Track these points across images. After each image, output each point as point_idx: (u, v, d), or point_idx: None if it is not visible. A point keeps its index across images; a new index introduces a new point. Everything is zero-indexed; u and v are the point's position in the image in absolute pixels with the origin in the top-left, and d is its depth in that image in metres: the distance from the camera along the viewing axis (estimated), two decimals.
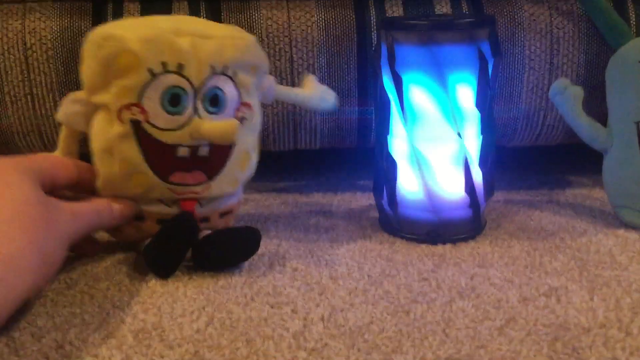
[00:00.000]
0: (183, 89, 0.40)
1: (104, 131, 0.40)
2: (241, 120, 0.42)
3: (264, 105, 0.54)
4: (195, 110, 0.40)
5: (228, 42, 0.41)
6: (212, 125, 0.40)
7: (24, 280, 0.32)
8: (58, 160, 0.41)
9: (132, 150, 0.40)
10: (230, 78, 0.42)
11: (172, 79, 0.39)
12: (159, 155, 0.40)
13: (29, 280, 0.32)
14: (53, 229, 0.35)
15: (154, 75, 0.39)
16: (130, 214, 0.42)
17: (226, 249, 0.42)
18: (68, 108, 0.41)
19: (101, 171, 0.41)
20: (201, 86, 0.40)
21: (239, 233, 0.43)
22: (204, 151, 0.41)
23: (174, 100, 0.40)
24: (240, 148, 0.43)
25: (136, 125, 0.39)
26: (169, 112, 0.40)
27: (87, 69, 0.40)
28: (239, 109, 0.42)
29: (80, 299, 0.38)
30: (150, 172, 0.40)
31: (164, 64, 0.39)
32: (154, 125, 0.40)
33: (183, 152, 0.41)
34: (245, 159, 0.44)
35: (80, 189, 0.42)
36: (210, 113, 0.41)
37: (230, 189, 0.44)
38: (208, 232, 0.42)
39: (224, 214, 0.45)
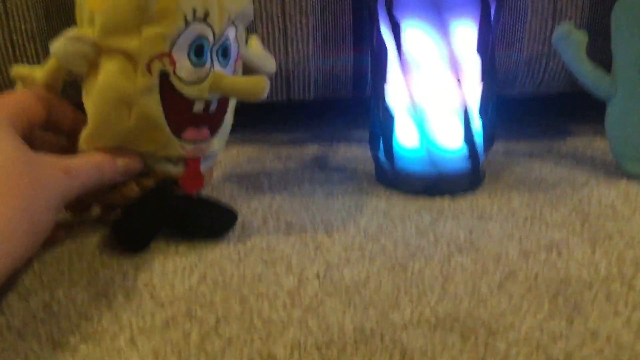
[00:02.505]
0: (207, 39, 0.37)
1: (121, 81, 0.35)
2: (235, 73, 0.40)
3: None
4: (212, 62, 0.38)
5: None
6: (241, 80, 0.38)
7: (11, 249, 0.29)
8: (30, 96, 0.37)
9: (155, 105, 0.36)
10: (236, 30, 0.40)
11: (200, 28, 0.36)
12: (178, 111, 0.37)
13: (17, 248, 0.29)
14: (41, 190, 0.32)
15: (187, 23, 0.36)
16: (137, 170, 0.38)
17: (197, 217, 0.39)
18: (69, 45, 0.35)
19: (103, 122, 0.36)
20: (220, 36, 0.38)
21: (216, 206, 0.40)
22: (214, 106, 0.39)
23: (198, 51, 0.36)
24: (232, 103, 0.41)
25: (163, 77, 0.36)
26: (193, 64, 0.37)
27: (111, 6, 0.34)
28: (237, 60, 0.40)
29: (68, 257, 0.37)
30: (167, 129, 0.37)
31: (195, 11, 0.36)
32: (179, 79, 0.36)
33: (198, 107, 0.38)
34: (232, 114, 0.42)
35: (51, 128, 0.38)
36: (221, 65, 0.38)
37: (222, 145, 0.42)
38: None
39: (210, 171, 0.43)
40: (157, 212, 0.38)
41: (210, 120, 0.39)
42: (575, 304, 0.32)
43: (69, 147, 0.38)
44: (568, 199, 0.45)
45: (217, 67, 0.38)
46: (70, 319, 0.31)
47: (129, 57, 0.35)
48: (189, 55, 0.36)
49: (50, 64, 0.38)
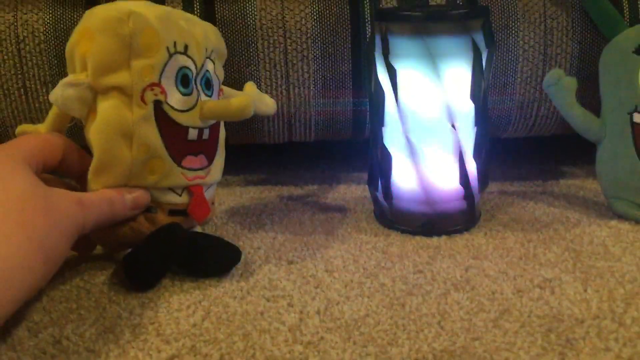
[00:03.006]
0: (190, 70, 0.40)
1: (119, 115, 0.38)
2: None
3: None
4: (197, 91, 0.41)
5: (208, 27, 0.43)
6: (228, 102, 0.41)
7: (24, 281, 0.30)
8: (46, 139, 0.38)
9: (153, 134, 0.39)
10: (214, 63, 0.43)
11: (182, 59, 0.40)
12: (175, 139, 0.40)
13: (30, 280, 0.30)
14: (55, 223, 0.33)
15: (170, 54, 0.39)
16: (145, 204, 0.40)
17: (201, 255, 0.40)
18: (65, 91, 0.38)
19: (107, 158, 0.38)
20: (201, 68, 0.41)
21: (221, 244, 0.42)
22: (206, 133, 0.42)
23: (184, 81, 0.40)
24: (222, 133, 0.45)
25: (157, 106, 0.39)
26: (181, 93, 0.40)
27: (100, 47, 0.37)
28: (220, 92, 0.44)
29: (77, 294, 0.38)
30: (167, 156, 0.39)
31: (175, 44, 0.39)
32: (171, 107, 0.39)
33: (193, 134, 0.41)
34: (223, 144, 0.45)
35: (62, 170, 0.39)
36: (206, 95, 0.42)
37: (220, 175, 0.45)
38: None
39: (212, 204, 0.45)
40: (165, 251, 0.39)
41: (206, 148, 0.42)
42: (567, 340, 0.33)
43: (79, 189, 0.40)
44: (561, 238, 0.46)
45: (203, 97, 0.41)
46: (79, 354, 0.32)
47: (123, 92, 0.38)
48: (176, 85, 0.39)
49: (51, 112, 0.41)
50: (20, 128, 0.42)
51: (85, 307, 0.37)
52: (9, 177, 0.33)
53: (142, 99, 0.38)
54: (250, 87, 0.47)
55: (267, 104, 0.46)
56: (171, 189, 0.41)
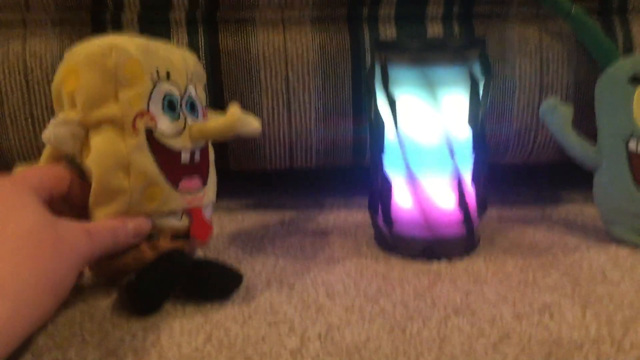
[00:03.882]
0: (175, 96, 0.41)
1: (113, 147, 0.38)
2: None
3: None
4: (184, 115, 0.42)
5: (185, 53, 0.44)
6: (215, 121, 0.43)
7: (32, 315, 0.30)
8: (53, 170, 0.39)
9: (148, 162, 0.40)
10: (195, 89, 0.44)
11: (166, 86, 0.41)
12: (170, 164, 0.41)
13: (37, 314, 0.31)
14: (63, 254, 0.33)
15: (154, 82, 0.40)
16: (146, 231, 0.40)
17: (204, 280, 0.41)
18: (58, 129, 0.39)
19: (106, 190, 0.39)
20: (184, 92, 0.42)
21: (224, 268, 0.42)
22: (197, 156, 0.43)
23: (170, 106, 0.41)
24: (211, 155, 0.46)
25: (149, 134, 0.40)
26: (169, 118, 0.41)
27: (87, 83, 0.38)
28: (205, 115, 0.45)
29: (80, 317, 0.39)
30: (165, 183, 0.40)
31: (157, 72, 0.41)
32: (162, 133, 0.41)
33: (185, 158, 0.42)
34: (213, 165, 0.46)
35: (67, 201, 0.40)
36: (192, 118, 0.43)
37: (214, 195, 0.46)
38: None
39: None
40: (168, 276, 0.39)
41: (199, 170, 0.43)
42: None
43: (80, 219, 0.40)
44: (560, 263, 0.46)
45: (190, 120, 0.43)
46: None
47: (114, 123, 0.39)
48: (164, 111, 0.41)
49: (46, 150, 0.42)
50: (18, 168, 0.42)
51: (89, 330, 0.37)
52: (20, 211, 0.33)
53: (134, 128, 0.39)
54: (233, 107, 0.46)
55: (251, 123, 0.46)
56: (171, 214, 0.42)
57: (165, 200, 0.41)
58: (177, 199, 0.41)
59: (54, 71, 0.52)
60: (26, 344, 0.35)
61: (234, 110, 0.44)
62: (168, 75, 0.41)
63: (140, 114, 0.39)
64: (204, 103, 0.46)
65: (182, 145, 0.42)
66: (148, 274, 0.39)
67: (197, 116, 0.44)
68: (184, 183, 0.42)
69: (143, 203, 0.40)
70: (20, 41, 0.53)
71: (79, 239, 0.35)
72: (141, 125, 0.39)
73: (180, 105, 0.42)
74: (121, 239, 0.39)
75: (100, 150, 0.39)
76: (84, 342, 0.36)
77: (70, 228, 0.35)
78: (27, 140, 0.54)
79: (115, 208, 0.39)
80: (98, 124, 0.39)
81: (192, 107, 0.43)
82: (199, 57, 0.53)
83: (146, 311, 0.39)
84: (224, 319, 0.38)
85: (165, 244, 0.42)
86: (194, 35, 0.54)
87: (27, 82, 0.53)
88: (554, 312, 0.39)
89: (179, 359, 0.34)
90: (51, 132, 0.39)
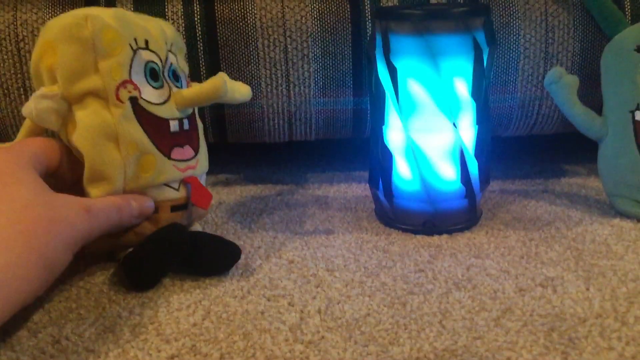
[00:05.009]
0: (156, 64, 0.41)
1: (99, 119, 0.37)
2: None
3: (258, 97, 0.54)
4: (168, 83, 0.41)
5: (161, 22, 0.43)
6: (200, 86, 0.41)
7: (22, 289, 0.30)
8: (47, 142, 0.38)
9: (136, 131, 0.39)
10: (175, 57, 0.43)
11: (146, 54, 0.40)
12: (159, 132, 0.40)
13: (27, 289, 0.31)
14: (58, 231, 0.33)
15: (133, 50, 0.39)
16: (150, 211, 0.40)
17: (201, 254, 0.40)
18: (39, 104, 0.37)
19: (99, 164, 0.38)
20: (165, 61, 0.41)
21: (222, 241, 0.41)
22: (187, 124, 0.42)
23: (153, 74, 0.40)
24: (199, 123, 0.45)
25: (134, 103, 0.39)
26: (153, 87, 0.40)
27: (65, 56, 0.37)
28: (189, 84, 0.44)
29: (76, 293, 0.38)
30: (157, 151, 0.40)
31: (136, 40, 0.40)
32: (147, 101, 0.39)
33: (174, 126, 0.41)
34: (202, 134, 0.45)
35: (59, 176, 0.39)
36: (176, 87, 0.42)
37: (207, 164, 0.45)
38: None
39: None
40: (165, 251, 0.39)
41: (190, 139, 0.43)
42: (569, 339, 0.32)
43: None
44: (562, 236, 0.46)
45: (174, 88, 0.42)
46: (78, 354, 0.32)
47: (97, 95, 0.38)
48: (147, 79, 0.40)
49: (24, 126, 0.41)
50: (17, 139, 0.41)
51: (85, 306, 0.37)
52: (16, 186, 0.33)
53: (118, 98, 0.38)
54: (220, 73, 0.45)
55: (239, 90, 0.44)
56: (168, 185, 0.41)
57: (160, 170, 0.40)
58: (171, 169, 0.41)
59: None
60: (21, 320, 0.35)
61: (219, 76, 0.42)
62: (147, 43, 0.40)
63: (123, 84, 0.38)
64: (187, 73, 0.45)
65: (170, 113, 0.41)
66: (145, 249, 0.38)
67: (181, 85, 0.43)
68: (176, 152, 0.41)
69: (139, 175, 0.39)
70: (11, 10, 0.52)
71: (76, 216, 0.34)
72: (124, 94, 0.38)
73: (163, 74, 0.41)
74: (125, 217, 0.38)
75: (87, 124, 0.38)
76: (80, 318, 0.35)
77: (68, 204, 0.34)
78: (19, 112, 0.53)
79: (111, 185, 0.38)
80: (81, 98, 0.38)
81: (175, 75, 0.42)
82: (194, 26, 0.52)
83: (144, 287, 0.38)
84: (223, 294, 0.38)
85: (165, 216, 0.41)
86: (189, 4, 0.52)
87: (18, 52, 0.52)
88: (556, 286, 0.38)
89: (177, 334, 0.34)
90: (32, 107, 0.38)
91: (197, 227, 0.44)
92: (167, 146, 0.40)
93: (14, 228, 0.31)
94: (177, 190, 0.41)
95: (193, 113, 0.44)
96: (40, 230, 0.32)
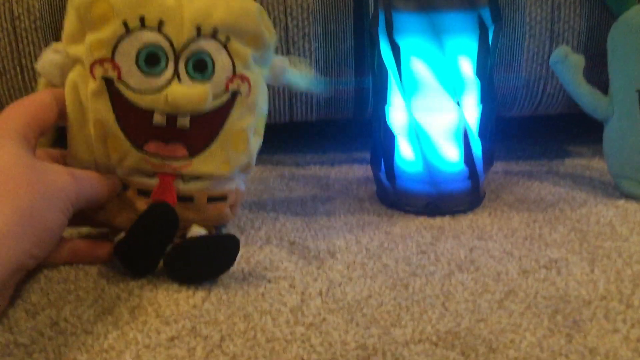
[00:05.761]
0: (162, 48, 0.37)
1: (78, 86, 0.37)
2: (234, 93, 0.39)
3: None
4: (177, 74, 0.37)
5: (220, 3, 0.38)
6: (180, 89, 0.37)
7: (10, 247, 0.30)
8: (36, 101, 0.37)
9: (105, 111, 0.37)
10: (223, 45, 0.38)
11: (150, 36, 0.37)
12: (133, 120, 0.37)
13: (17, 247, 0.31)
14: (44, 192, 0.33)
15: (128, 29, 0.36)
16: (116, 190, 0.39)
17: (197, 262, 0.36)
18: (47, 57, 0.38)
19: (75, 133, 0.38)
20: (184, 48, 0.37)
21: (214, 243, 0.37)
22: (183, 121, 0.38)
23: (150, 59, 0.37)
24: (234, 125, 0.39)
25: (109, 83, 0.37)
26: (144, 73, 0.37)
27: (67, 16, 0.38)
28: (232, 80, 0.39)
29: (75, 275, 0.38)
30: (123, 136, 0.37)
31: (142, 19, 0.36)
32: (127, 86, 0.37)
33: (158, 119, 0.37)
34: (240, 139, 0.40)
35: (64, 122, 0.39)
36: (194, 79, 0.38)
37: (219, 171, 0.40)
38: (197, 234, 0.39)
39: (214, 199, 0.41)
40: (158, 232, 0.37)
41: (185, 138, 0.38)
42: (574, 322, 0.32)
43: None
44: (567, 218, 0.45)
45: (186, 80, 0.37)
46: (77, 336, 0.31)
47: (82, 64, 0.37)
48: (137, 63, 0.37)
49: (40, 84, 0.40)
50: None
51: (84, 288, 0.36)
52: None
53: (92, 74, 0.37)
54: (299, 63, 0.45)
55: (300, 83, 0.44)
56: (138, 171, 0.39)
57: (125, 155, 0.38)
58: (137, 158, 0.38)
59: (42, 19, 0.50)
60: (19, 301, 0.34)
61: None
62: (161, 24, 0.37)
63: (100, 61, 0.37)
64: (249, 64, 0.39)
65: (152, 104, 0.37)
66: (137, 234, 0.37)
67: (207, 78, 0.38)
68: (154, 145, 0.38)
69: (107, 153, 0.38)
70: None
71: (62, 180, 0.35)
72: (99, 72, 0.37)
73: (176, 61, 0.37)
74: (100, 190, 0.38)
75: (70, 82, 0.38)
76: (78, 300, 0.35)
77: (53, 169, 0.35)
78: (16, 90, 0.53)
79: (84, 151, 0.38)
80: (74, 61, 0.38)
81: (200, 66, 0.38)
82: None
83: (141, 273, 0.38)
84: (223, 276, 0.37)
85: (132, 196, 0.39)
86: None
87: (14, 30, 0.51)
88: (561, 268, 0.38)
89: (177, 316, 0.33)
90: (42, 59, 0.38)
91: (201, 232, 0.41)
92: (140, 136, 0.38)
93: None
94: (150, 178, 0.39)
95: (215, 112, 0.39)
96: (23, 191, 0.32)
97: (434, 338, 0.31)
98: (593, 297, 0.34)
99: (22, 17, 0.50)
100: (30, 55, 0.51)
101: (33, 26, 0.51)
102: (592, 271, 0.37)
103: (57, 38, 0.50)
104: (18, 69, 0.52)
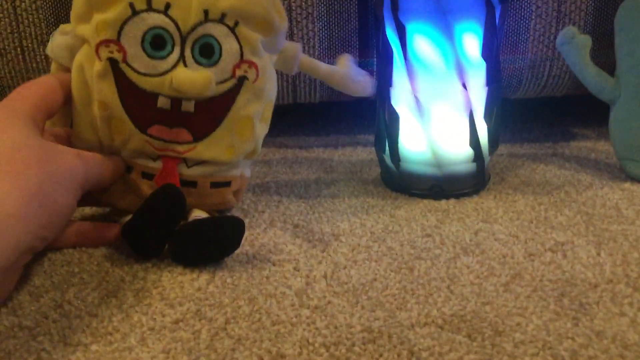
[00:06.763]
0: (168, 31, 0.37)
1: (85, 66, 0.37)
2: (240, 79, 0.39)
3: None
4: (183, 58, 0.37)
5: None
6: (184, 74, 0.36)
7: (18, 227, 0.30)
8: (44, 84, 0.38)
9: (109, 92, 0.37)
10: (231, 30, 0.38)
11: (156, 19, 0.36)
12: (137, 103, 0.37)
13: (25, 227, 0.30)
14: (53, 173, 0.33)
15: (135, 11, 0.36)
16: (121, 172, 0.39)
17: (202, 243, 0.36)
18: (56, 39, 0.38)
19: (80, 113, 0.38)
20: (190, 31, 0.37)
21: (219, 224, 0.37)
22: (188, 106, 0.37)
23: (156, 42, 0.36)
24: (240, 111, 0.39)
25: (114, 65, 0.37)
26: (149, 56, 0.37)
27: None
28: (239, 65, 0.38)
29: (79, 257, 0.38)
30: (127, 119, 0.37)
31: (149, 1, 0.36)
32: (132, 68, 0.37)
33: (163, 102, 0.37)
34: (245, 125, 0.40)
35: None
36: (200, 64, 0.37)
37: (223, 157, 0.40)
38: (197, 217, 0.39)
39: (217, 184, 0.41)
40: (165, 214, 0.37)
41: (189, 122, 0.38)
42: (580, 305, 0.32)
43: None
44: (572, 201, 0.45)
45: (192, 64, 0.37)
46: (81, 318, 0.31)
47: (89, 44, 0.37)
48: (142, 45, 0.36)
49: (52, 67, 0.40)
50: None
51: (88, 271, 0.36)
52: (2, 131, 0.33)
53: (97, 55, 0.37)
54: (344, 59, 0.45)
55: (361, 82, 0.44)
56: (143, 153, 0.39)
57: (129, 137, 0.38)
58: (141, 141, 0.38)
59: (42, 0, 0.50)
60: (23, 284, 0.34)
61: (343, 63, 0.40)
62: (167, 6, 0.36)
63: (105, 42, 0.36)
64: (258, 50, 0.39)
65: (156, 87, 0.37)
66: (144, 216, 0.36)
67: (214, 62, 0.37)
68: (157, 129, 0.38)
69: (111, 135, 0.38)
70: None
71: (70, 161, 0.34)
72: (104, 53, 0.36)
73: (182, 45, 0.37)
74: (107, 173, 0.38)
75: (77, 63, 0.38)
76: (83, 283, 0.35)
77: (61, 149, 0.35)
78: (17, 72, 0.52)
79: (88, 131, 0.38)
80: (82, 41, 0.38)
81: (207, 50, 0.37)
82: None
83: (148, 255, 0.37)
84: (227, 259, 0.37)
85: (136, 179, 0.39)
86: None
87: (14, 10, 0.50)
88: (567, 251, 0.37)
89: (182, 299, 0.33)
90: (51, 41, 0.38)
91: (201, 214, 0.41)
92: (144, 119, 0.38)
93: (2, 169, 0.31)
94: (154, 161, 0.39)
95: (220, 97, 0.38)
96: (32, 171, 0.32)
97: (440, 321, 0.31)
98: (599, 280, 0.34)
99: None
100: (30, 36, 0.51)
101: (33, 7, 0.50)
102: (599, 254, 0.37)
103: (57, 18, 0.50)
104: (19, 49, 0.51)
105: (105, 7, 0.36)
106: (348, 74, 0.44)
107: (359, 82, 0.44)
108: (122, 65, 0.37)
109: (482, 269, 0.36)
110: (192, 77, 0.36)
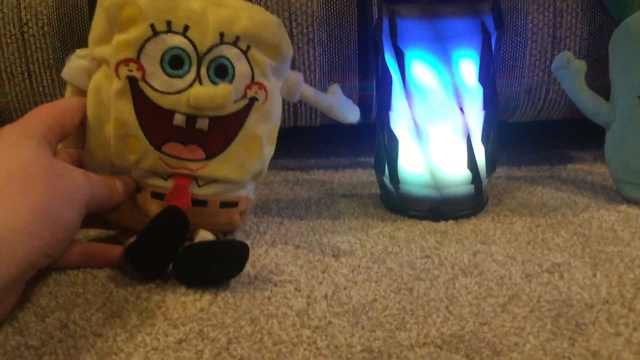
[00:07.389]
0: (185, 52, 0.38)
1: (102, 87, 0.38)
2: (251, 99, 0.40)
3: None
4: (199, 77, 0.38)
5: (244, 13, 0.39)
6: (203, 89, 0.38)
7: (25, 243, 0.30)
8: (60, 106, 0.38)
9: (127, 110, 0.38)
10: (244, 53, 0.39)
11: (175, 40, 0.38)
12: (154, 120, 0.38)
13: (31, 244, 0.31)
14: (61, 191, 0.33)
15: (155, 32, 0.38)
16: (131, 192, 0.40)
17: (206, 266, 0.37)
18: (73, 63, 0.39)
19: (94, 133, 0.39)
20: (206, 52, 0.38)
21: (224, 248, 0.38)
22: (202, 123, 0.39)
23: (174, 62, 0.38)
24: (250, 131, 0.40)
25: (133, 83, 0.38)
26: (168, 75, 0.38)
27: (95, 18, 0.39)
28: (250, 86, 0.40)
29: (83, 278, 0.38)
30: (143, 136, 0.38)
31: (169, 23, 0.38)
32: (150, 86, 0.38)
33: (179, 120, 0.38)
34: (254, 145, 0.41)
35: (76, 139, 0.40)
36: (214, 83, 0.39)
37: (234, 175, 0.41)
38: (203, 238, 0.39)
39: (226, 204, 0.42)
40: (169, 236, 0.37)
41: (203, 140, 0.39)
42: (577, 325, 0.32)
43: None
44: (569, 223, 0.46)
45: (209, 85, 0.39)
46: (86, 338, 0.32)
47: (108, 65, 0.38)
48: (162, 65, 0.38)
49: (67, 91, 0.41)
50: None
51: (92, 291, 0.37)
52: (14, 148, 0.34)
53: (117, 73, 0.38)
54: (333, 89, 0.47)
55: (350, 111, 0.47)
56: (155, 172, 0.40)
57: (143, 155, 0.39)
58: (156, 159, 0.39)
59: (50, 25, 0.51)
60: (29, 304, 0.35)
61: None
62: (186, 29, 0.38)
63: (125, 61, 0.38)
64: (267, 73, 0.41)
65: (174, 104, 0.38)
66: (149, 239, 0.37)
67: (228, 82, 0.39)
68: (171, 147, 0.39)
69: (124, 154, 0.39)
70: None
71: (77, 179, 0.35)
72: (124, 72, 0.38)
73: (198, 65, 0.38)
74: (114, 195, 0.39)
75: (95, 83, 0.39)
76: (87, 303, 0.35)
77: (70, 170, 0.35)
78: (24, 96, 0.53)
79: (100, 151, 0.39)
80: (100, 62, 0.39)
81: (220, 71, 0.39)
82: None
83: (152, 276, 0.38)
84: (229, 279, 0.38)
85: (145, 198, 0.40)
86: None
87: (22, 35, 0.51)
88: (563, 272, 0.38)
89: (184, 319, 0.34)
90: (67, 65, 0.40)
91: (208, 236, 0.41)
92: (159, 137, 0.39)
93: (12, 185, 0.31)
94: (165, 180, 0.40)
95: (233, 116, 0.40)
96: (41, 187, 0.32)
97: (439, 341, 0.31)
98: (595, 301, 0.35)
99: (30, 24, 0.51)
100: (38, 61, 0.52)
101: (41, 32, 0.51)
102: (595, 275, 0.38)
103: (65, 44, 0.51)
104: (26, 74, 0.52)
105: (126, 27, 0.38)
106: (342, 104, 0.47)
107: (346, 110, 0.47)
108: (141, 84, 0.38)
109: (480, 290, 0.36)
110: (211, 92, 0.38)
